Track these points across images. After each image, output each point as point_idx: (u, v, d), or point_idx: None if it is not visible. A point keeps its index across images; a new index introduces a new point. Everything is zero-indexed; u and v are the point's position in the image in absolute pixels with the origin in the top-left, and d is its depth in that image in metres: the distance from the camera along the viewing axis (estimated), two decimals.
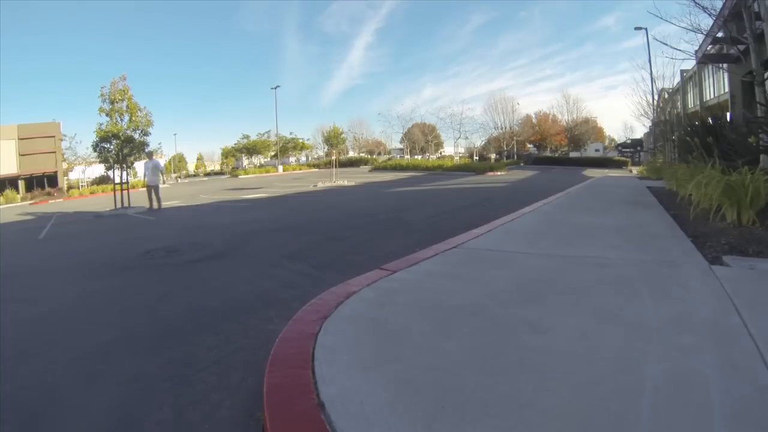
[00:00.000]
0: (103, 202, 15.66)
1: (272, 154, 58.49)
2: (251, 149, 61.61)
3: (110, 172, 17.23)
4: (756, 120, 6.24)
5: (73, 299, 3.08)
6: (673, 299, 1.81)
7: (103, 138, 13.18)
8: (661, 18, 8.89)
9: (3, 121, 30.65)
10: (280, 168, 38.55)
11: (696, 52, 11.50)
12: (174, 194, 18.34)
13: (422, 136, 53.54)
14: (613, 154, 45.47)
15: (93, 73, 70.91)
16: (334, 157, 22.77)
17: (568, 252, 2.83)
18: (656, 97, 21.10)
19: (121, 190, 12.82)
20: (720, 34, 9.53)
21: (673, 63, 21.60)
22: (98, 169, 31.34)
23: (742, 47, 8.39)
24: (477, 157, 44.95)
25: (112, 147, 13.31)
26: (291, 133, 59.29)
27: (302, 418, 1.11)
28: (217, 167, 69.41)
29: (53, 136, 31.44)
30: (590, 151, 50.03)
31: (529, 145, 56.90)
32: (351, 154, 53.92)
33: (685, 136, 8.30)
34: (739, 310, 1.62)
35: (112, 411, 1.50)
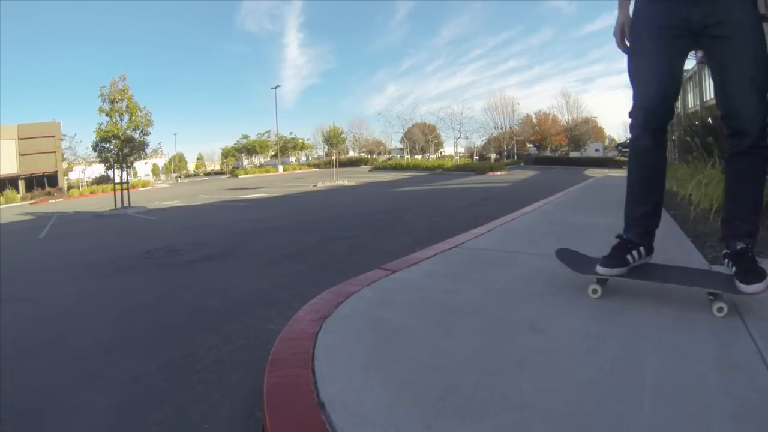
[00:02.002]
0: (103, 201, 15.66)
1: (272, 154, 58.47)
2: (251, 149, 61.54)
3: (110, 172, 17.25)
4: None
5: (73, 299, 3.08)
6: (673, 299, 1.81)
7: (103, 138, 13.21)
8: None
9: (3, 121, 30.68)
10: (280, 168, 38.57)
11: (696, 52, 11.50)
12: (174, 194, 18.34)
13: (422, 136, 53.54)
14: (614, 154, 45.44)
15: (93, 72, 71.01)
16: (334, 157, 22.81)
17: None
18: None
19: (121, 189, 12.84)
20: None
21: None
22: (98, 169, 31.34)
23: None
24: (477, 157, 44.96)
25: (112, 147, 13.32)
26: (291, 133, 59.29)
27: (302, 417, 1.11)
28: (217, 167, 69.42)
29: (53, 136, 31.46)
30: (590, 151, 50.02)
31: (529, 145, 56.89)
32: (351, 153, 53.94)
33: (685, 136, 8.29)
34: (739, 310, 1.62)
35: (112, 411, 1.50)
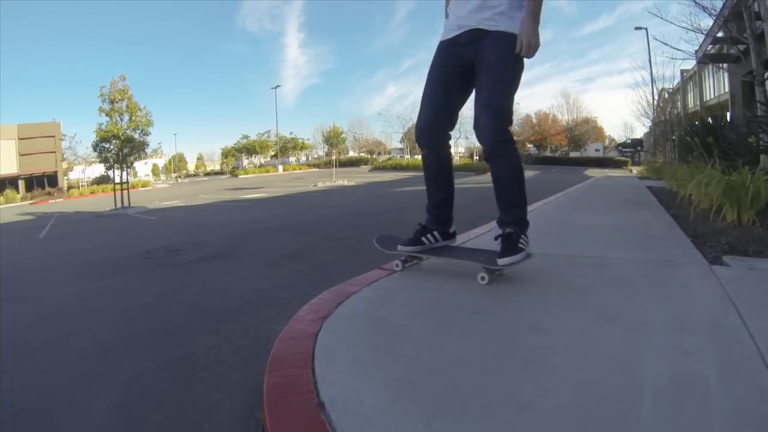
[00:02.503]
0: (103, 201, 15.66)
1: (272, 154, 58.44)
2: (251, 149, 61.47)
3: (110, 172, 17.24)
4: (756, 120, 6.24)
5: (74, 299, 3.08)
6: (673, 299, 1.81)
7: (103, 138, 13.20)
8: (662, 18, 8.90)
9: (3, 121, 30.67)
10: (280, 168, 38.58)
11: (696, 52, 11.52)
12: (174, 194, 18.35)
13: None
14: (614, 154, 45.45)
15: (93, 72, 71.08)
16: (334, 157, 22.83)
17: (568, 251, 2.83)
18: (656, 97, 21.12)
19: (121, 189, 12.83)
20: (720, 34, 9.54)
21: (673, 63, 21.65)
22: (98, 169, 31.31)
23: (742, 47, 8.40)
24: (477, 157, 44.93)
25: (112, 147, 13.32)
26: (291, 133, 59.24)
27: (302, 417, 1.11)
28: (217, 167, 69.42)
29: (53, 136, 31.46)
30: (590, 151, 50.00)
31: (529, 145, 56.87)
32: (351, 153, 53.90)
33: (685, 136, 8.30)
34: (739, 310, 1.62)
35: (112, 410, 1.50)
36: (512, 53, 1.94)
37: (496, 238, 2.10)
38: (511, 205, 2.11)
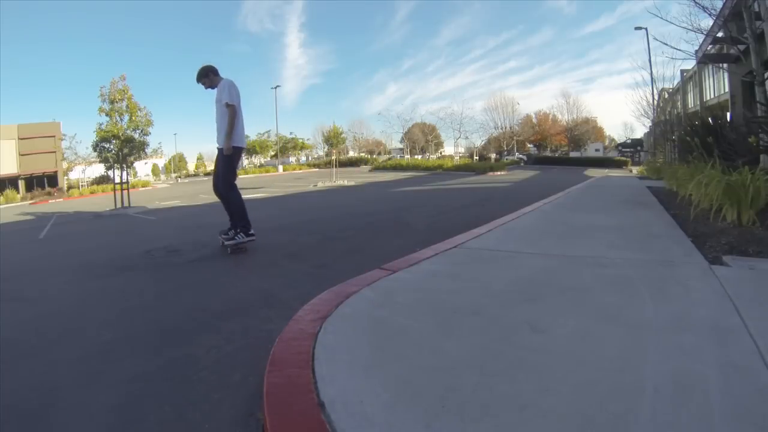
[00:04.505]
0: (103, 202, 15.66)
1: (272, 154, 58.44)
2: (251, 149, 61.46)
3: (110, 172, 17.20)
4: (756, 120, 6.24)
5: (73, 299, 3.08)
6: (673, 299, 1.81)
7: (103, 138, 13.15)
8: (662, 18, 8.88)
9: (3, 121, 30.57)
10: (280, 168, 38.55)
11: (696, 52, 11.50)
12: (174, 194, 18.35)
13: (422, 136, 53.53)
14: (614, 154, 45.44)
15: (93, 72, 71.08)
16: (334, 157, 22.82)
17: (568, 251, 2.83)
18: (656, 97, 21.10)
19: (121, 189, 12.80)
20: (720, 34, 9.52)
21: (673, 63, 21.61)
22: (98, 169, 31.23)
23: (742, 47, 8.39)
24: (477, 157, 44.90)
25: (112, 147, 13.28)
26: (291, 133, 59.12)
27: (302, 417, 1.11)
28: None
29: (53, 136, 31.37)
30: (590, 151, 50.00)
31: (529, 145, 56.84)
32: (351, 153, 53.84)
33: (685, 136, 8.30)
34: (739, 310, 1.63)
35: (112, 410, 1.50)
36: (226, 155, 4.24)
37: (227, 232, 4.35)
38: (237, 220, 4.30)
